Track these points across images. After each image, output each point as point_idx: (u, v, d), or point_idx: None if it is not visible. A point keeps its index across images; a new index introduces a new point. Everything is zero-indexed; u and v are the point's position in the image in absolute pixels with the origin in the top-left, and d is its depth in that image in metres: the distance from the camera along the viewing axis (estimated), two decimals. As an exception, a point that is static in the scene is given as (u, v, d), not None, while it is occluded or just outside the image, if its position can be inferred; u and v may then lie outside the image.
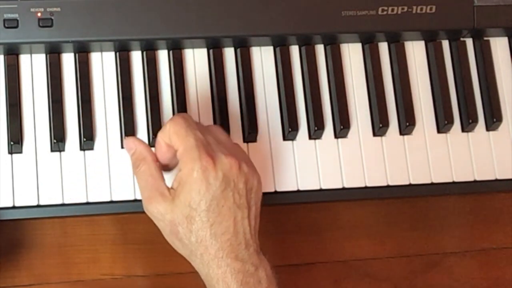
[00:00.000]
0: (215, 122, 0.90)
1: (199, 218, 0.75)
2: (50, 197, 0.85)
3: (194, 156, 0.75)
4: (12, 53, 0.88)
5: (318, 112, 0.91)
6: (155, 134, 0.87)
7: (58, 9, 0.86)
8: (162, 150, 0.78)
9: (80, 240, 0.90)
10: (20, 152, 0.86)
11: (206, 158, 0.74)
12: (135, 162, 0.79)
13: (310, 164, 0.90)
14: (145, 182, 0.78)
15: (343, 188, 0.90)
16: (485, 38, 0.96)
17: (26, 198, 0.85)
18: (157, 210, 0.76)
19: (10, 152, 0.86)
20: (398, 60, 0.94)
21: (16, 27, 0.85)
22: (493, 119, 0.94)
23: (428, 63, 0.95)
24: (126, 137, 0.83)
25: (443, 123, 0.93)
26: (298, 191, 0.90)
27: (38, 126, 0.87)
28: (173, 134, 0.77)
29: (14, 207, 0.85)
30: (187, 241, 0.76)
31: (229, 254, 0.75)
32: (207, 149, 0.75)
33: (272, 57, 0.93)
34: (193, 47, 0.91)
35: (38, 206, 0.85)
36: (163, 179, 0.78)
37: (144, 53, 0.90)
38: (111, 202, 0.86)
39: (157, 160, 0.79)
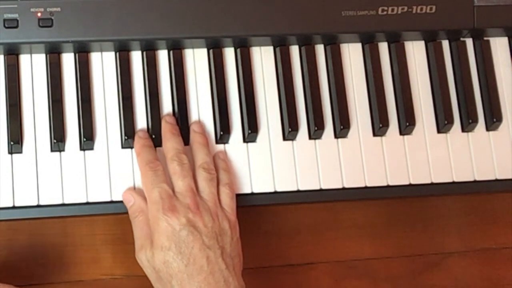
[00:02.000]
0: (215, 122, 0.90)
1: (174, 261, 0.80)
2: (50, 197, 0.85)
3: (158, 207, 0.82)
4: (12, 53, 0.88)
5: (318, 112, 0.91)
6: (155, 134, 0.87)
7: (58, 9, 0.86)
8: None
9: (80, 240, 0.90)
10: (20, 152, 0.86)
11: (167, 210, 0.81)
12: (133, 213, 0.85)
13: (310, 164, 0.90)
14: (140, 231, 0.84)
15: (343, 188, 0.90)
16: (485, 38, 0.96)
17: (26, 198, 0.85)
18: (144, 257, 0.82)
19: (10, 152, 0.86)
20: (398, 60, 0.94)
21: (16, 27, 0.85)
22: (493, 119, 0.94)
23: (428, 63, 0.95)
24: (124, 191, 0.86)
25: (443, 123, 0.93)
26: (298, 191, 0.90)
27: (38, 126, 0.87)
28: (142, 185, 0.85)
29: (14, 207, 0.85)
30: (169, 285, 0.81)
31: None
32: (170, 200, 0.82)
33: (272, 57, 0.93)
34: (193, 47, 0.91)
35: (38, 206, 0.85)
36: None
37: (144, 53, 0.90)
38: (111, 202, 0.86)
39: None
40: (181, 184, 0.83)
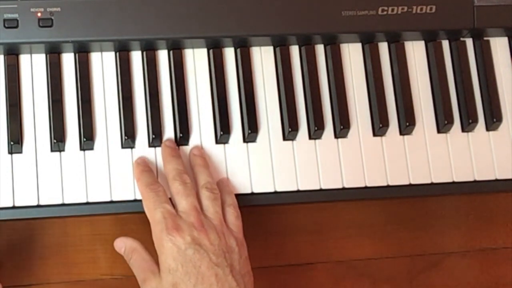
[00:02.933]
0: (215, 122, 0.90)
1: (182, 282, 0.78)
2: (50, 197, 0.85)
3: (161, 228, 0.80)
4: (12, 53, 0.88)
5: (318, 112, 0.91)
6: (155, 134, 0.87)
7: (58, 9, 0.86)
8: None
9: (80, 240, 0.90)
10: (20, 152, 0.86)
11: (171, 229, 0.80)
12: (127, 255, 0.84)
13: (310, 164, 0.90)
14: (138, 267, 0.83)
15: (343, 188, 0.90)
16: (485, 38, 0.96)
17: (26, 198, 0.85)
18: (150, 287, 0.81)
19: (10, 152, 0.86)
20: (398, 60, 0.94)
21: (16, 27, 0.85)
22: (493, 119, 0.94)
23: (428, 63, 0.95)
24: (115, 241, 0.86)
25: (443, 123, 0.93)
26: (298, 191, 0.90)
27: (38, 126, 0.87)
28: (144, 207, 0.83)
29: (14, 207, 0.85)
30: None
31: None
32: (173, 220, 0.81)
33: (272, 57, 0.93)
34: (193, 47, 0.91)
35: (38, 206, 0.85)
36: (154, 261, 0.82)
37: (144, 53, 0.90)
38: (111, 202, 0.86)
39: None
40: (184, 203, 0.82)
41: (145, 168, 0.86)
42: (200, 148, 0.88)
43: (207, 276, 0.78)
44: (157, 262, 0.81)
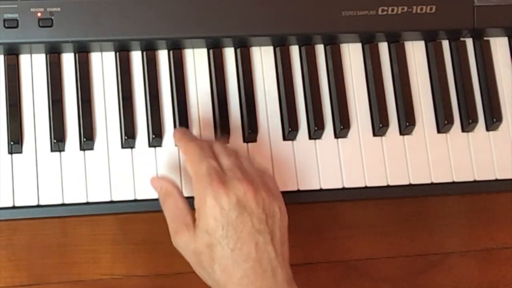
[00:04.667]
0: (215, 122, 0.90)
1: (219, 244, 0.74)
2: (50, 197, 0.85)
3: (205, 183, 0.75)
4: (12, 53, 0.88)
5: (318, 112, 0.91)
6: (155, 134, 0.87)
7: (58, 9, 0.86)
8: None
9: (80, 240, 0.90)
10: (20, 152, 0.86)
11: (217, 184, 0.75)
12: (162, 197, 0.80)
13: (310, 164, 0.90)
14: (172, 215, 0.79)
15: (343, 188, 0.90)
16: (485, 38, 0.96)
17: (26, 198, 0.85)
18: (182, 241, 0.77)
19: (10, 152, 0.86)
20: (398, 60, 0.94)
21: (16, 27, 0.85)
22: (493, 119, 0.94)
23: (428, 63, 0.95)
24: (151, 178, 0.83)
25: (443, 123, 0.93)
26: (299, 191, 0.90)
27: (38, 126, 0.87)
28: (187, 162, 0.78)
29: (14, 207, 0.85)
30: (210, 270, 0.75)
31: (254, 283, 0.73)
32: (219, 176, 0.75)
33: (272, 57, 0.93)
34: (193, 47, 0.91)
35: (38, 206, 0.85)
36: (190, 211, 0.78)
37: (144, 53, 0.90)
38: (111, 202, 0.86)
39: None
40: (227, 161, 0.78)
41: (186, 130, 0.84)
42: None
43: (247, 243, 0.74)
44: (193, 213, 0.77)
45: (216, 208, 0.74)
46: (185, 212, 0.78)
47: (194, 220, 0.77)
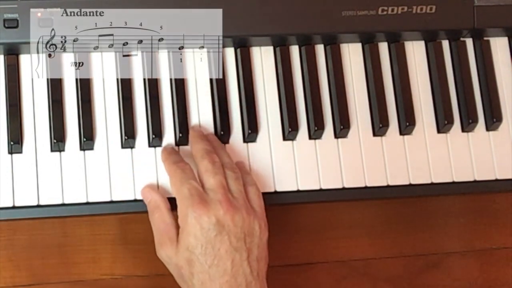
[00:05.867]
0: (215, 122, 0.90)
1: (197, 260, 0.79)
2: (50, 197, 0.85)
3: (187, 203, 0.80)
4: (12, 53, 0.88)
5: (318, 112, 0.91)
6: (155, 134, 0.87)
7: (58, 9, 0.86)
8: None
9: (80, 240, 0.90)
10: (20, 152, 0.86)
11: (197, 205, 0.80)
12: (150, 210, 0.84)
13: (310, 164, 0.90)
14: (157, 228, 0.84)
15: (343, 188, 0.90)
16: (485, 38, 0.96)
17: (26, 198, 0.85)
18: (165, 254, 0.82)
19: (10, 152, 0.86)
20: (398, 60, 0.94)
21: (16, 27, 0.85)
22: (493, 119, 0.94)
23: (428, 63, 0.95)
24: (143, 188, 0.86)
25: (443, 123, 0.93)
26: (298, 191, 0.90)
27: (38, 126, 0.87)
28: (171, 183, 0.84)
29: (14, 207, 0.85)
30: (190, 283, 0.80)
31: None
32: (200, 196, 0.81)
33: (272, 57, 0.93)
34: (193, 48, 0.91)
35: (38, 206, 0.85)
36: (175, 226, 0.83)
37: (144, 53, 0.90)
38: (111, 202, 0.86)
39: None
40: (212, 180, 0.82)
41: (172, 150, 0.87)
42: (213, 135, 0.89)
43: (223, 260, 0.79)
44: (177, 227, 0.82)
45: (197, 227, 0.79)
46: (170, 226, 0.83)
47: (177, 234, 0.82)
